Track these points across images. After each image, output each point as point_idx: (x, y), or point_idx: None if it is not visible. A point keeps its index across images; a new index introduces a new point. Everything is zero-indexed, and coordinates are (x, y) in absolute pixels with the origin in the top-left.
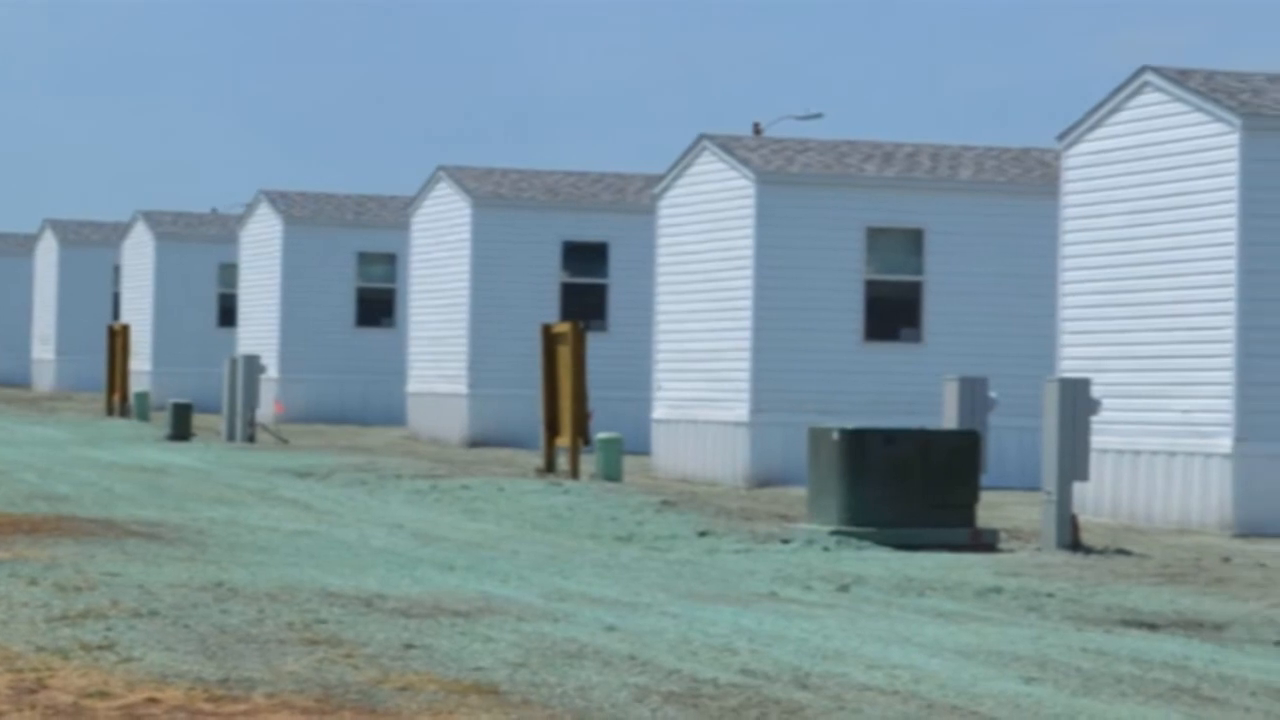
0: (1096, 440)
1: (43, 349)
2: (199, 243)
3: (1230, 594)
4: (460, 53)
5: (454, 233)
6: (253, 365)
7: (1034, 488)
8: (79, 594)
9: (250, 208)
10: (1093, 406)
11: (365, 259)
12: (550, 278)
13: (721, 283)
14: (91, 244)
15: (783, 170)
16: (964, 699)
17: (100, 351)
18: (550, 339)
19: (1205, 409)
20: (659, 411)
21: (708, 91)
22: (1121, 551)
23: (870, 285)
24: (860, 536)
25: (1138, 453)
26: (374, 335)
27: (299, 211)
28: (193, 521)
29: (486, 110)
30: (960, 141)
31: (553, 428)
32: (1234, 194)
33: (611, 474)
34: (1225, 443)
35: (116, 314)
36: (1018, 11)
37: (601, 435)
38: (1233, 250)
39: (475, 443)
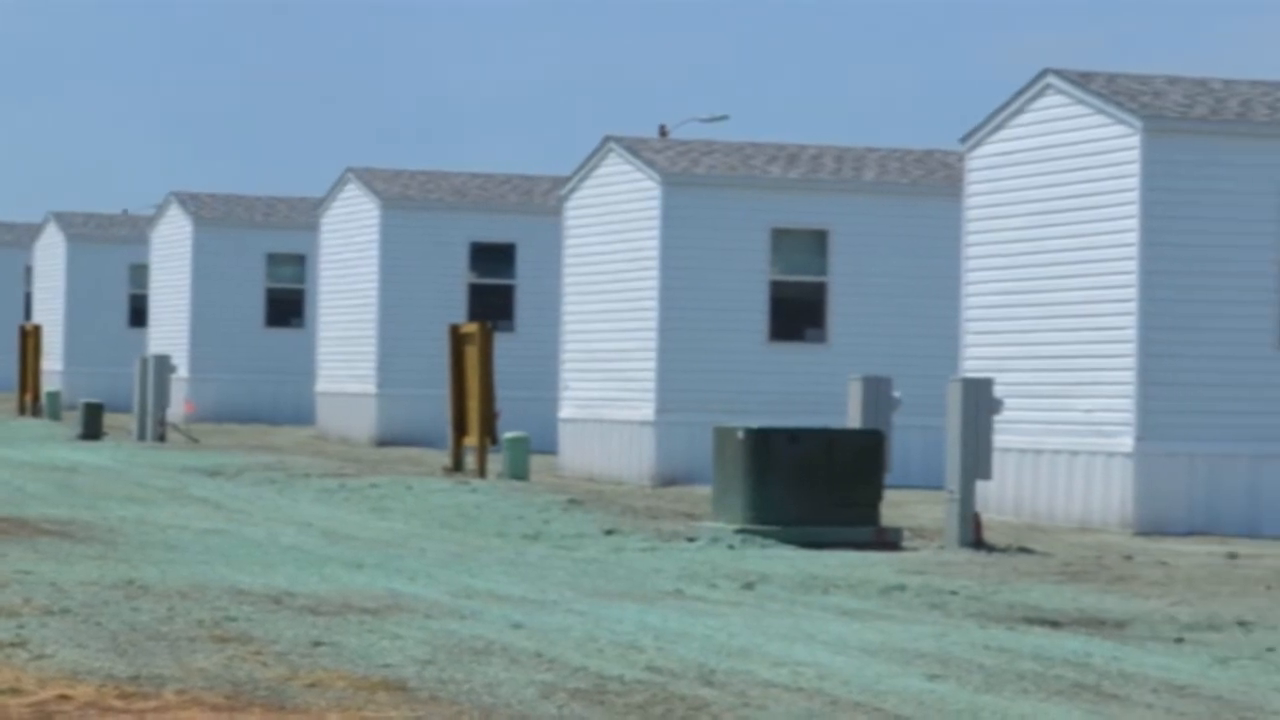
0: (999, 439)
1: None
2: (110, 244)
3: (1131, 592)
4: (369, 55)
5: (362, 234)
6: (163, 365)
7: (937, 486)
8: None
9: (161, 209)
10: (995, 406)
11: (275, 260)
12: (458, 278)
13: (627, 283)
14: (3, 245)
15: (688, 172)
16: (868, 696)
17: (12, 352)
18: (458, 339)
19: (1107, 408)
20: (566, 411)
21: (614, 94)
22: (1024, 549)
23: (775, 286)
24: (765, 535)
25: (1040, 452)
26: (283, 335)
27: (209, 213)
28: (104, 520)
29: (395, 112)
30: (864, 143)
31: (460, 427)
32: (1135, 195)
33: (518, 473)
34: (1127, 442)
35: (28, 314)
36: (921, 14)
37: (508, 435)
38: (1134, 251)
39: (384, 442)
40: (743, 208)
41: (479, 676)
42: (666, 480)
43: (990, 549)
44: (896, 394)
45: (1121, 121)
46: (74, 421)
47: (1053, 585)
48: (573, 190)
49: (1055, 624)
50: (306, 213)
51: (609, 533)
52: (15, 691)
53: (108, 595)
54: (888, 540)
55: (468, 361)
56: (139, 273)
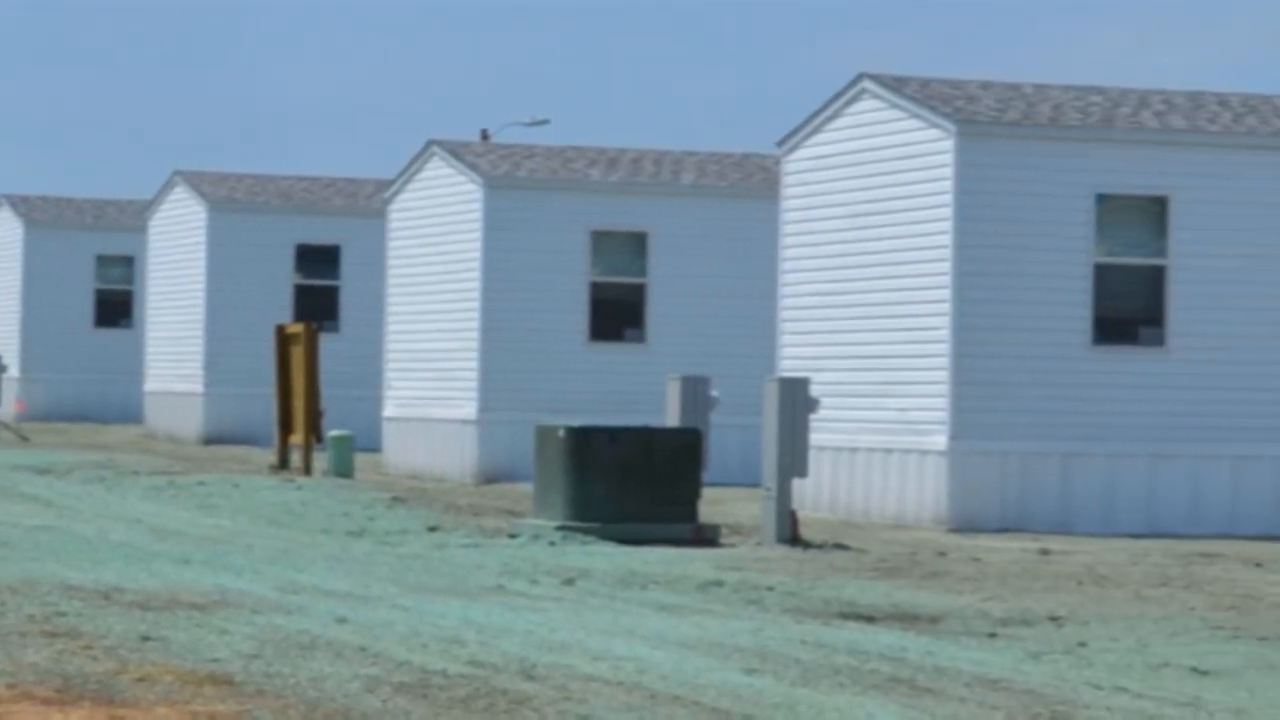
0: (815, 438)
1: None
2: None
3: (945, 587)
4: (196, 58)
5: (190, 236)
6: None
7: (755, 484)
8: None
9: None
10: (811, 405)
11: (104, 261)
12: (284, 279)
13: (450, 284)
14: None
15: (509, 175)
16: (686, 690)
17: None
18: (284, 339)
19: (921, 407)
20: (390, 410)
21: (437, 98)
22: (840, 546)
23: (595, 287)
24: (585, 531)
25: (855, 450)
26: (112, 335)
27: (39, 215)
28: None
29: (222, 116)
30: (683, 147)
31: (286, 426)
32: (949, 198)
33: (343, 471)
34: (940, 440)
35: None
36: (738, 19)
37: (333, 433)
38: (948, 253)
39: (211, 440)
40: (563, 210)
41: (305, 670)
42: (489, 478)
43: (806, 545)
44: (714, 393)
45: (936, 125)
46: None
47: (868, 581)
48: (396, 193)
49: (870, 619)
50: (135, 215)
51: (432, 529)
52: None
53: None
54: (706, 537)
55: (293, 361)
56: None
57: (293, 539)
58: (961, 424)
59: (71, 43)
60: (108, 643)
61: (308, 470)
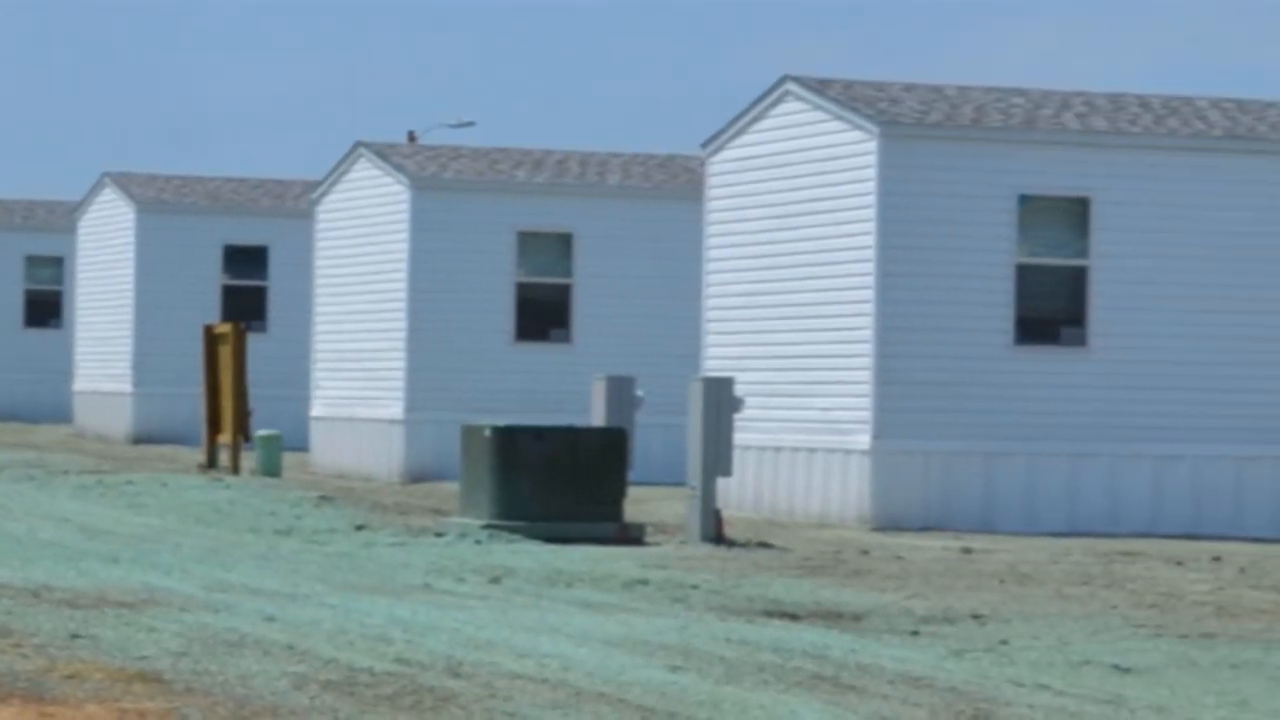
0: (740, 437)
1: None
2: None
3: (868, 585)
4: (125, 60)
5: (119, 237)
6: None
7: (679, 483)
8: None
9: None
10: (736, 404)
11: (33, 262)
12: (212, 280)
13: (377, 285)
14: None
15: (436, 176)
16: (611, 687)
17: None
18: (212, 339)
19: (844, 407)
20: (317, 409)
21: (364, 100)
22: (764, 544)
23: (521, 287)
24: (511, 530)
25: (779, 449)
26: (42, 335)
27: None
28: None
29: (151, 118)
30: (609, 148)
31: (214, 425)
32: (872, 199)
33: (271, 470)
34: (864, 439)
35: None
36: (663, 21)
37: (261, 432)
38: (871, 254)
39: (140, 440)
40: (489, 211)
41: (233, 668)
42: (415, 477)
43: (731, 544)
44: (639, 393)
45: (859, 127)
46: None
47: (792, 579)
48: (324, 194)
49: (794, 617)
50: (65, 216)
51: (359, 528)
52: None
53: None
54: (631, 536)
55: (221, 361)
56: None
57: (221, 538)
58: (884, 423)
59: None
60: (37, 641)
61: (236, 469)
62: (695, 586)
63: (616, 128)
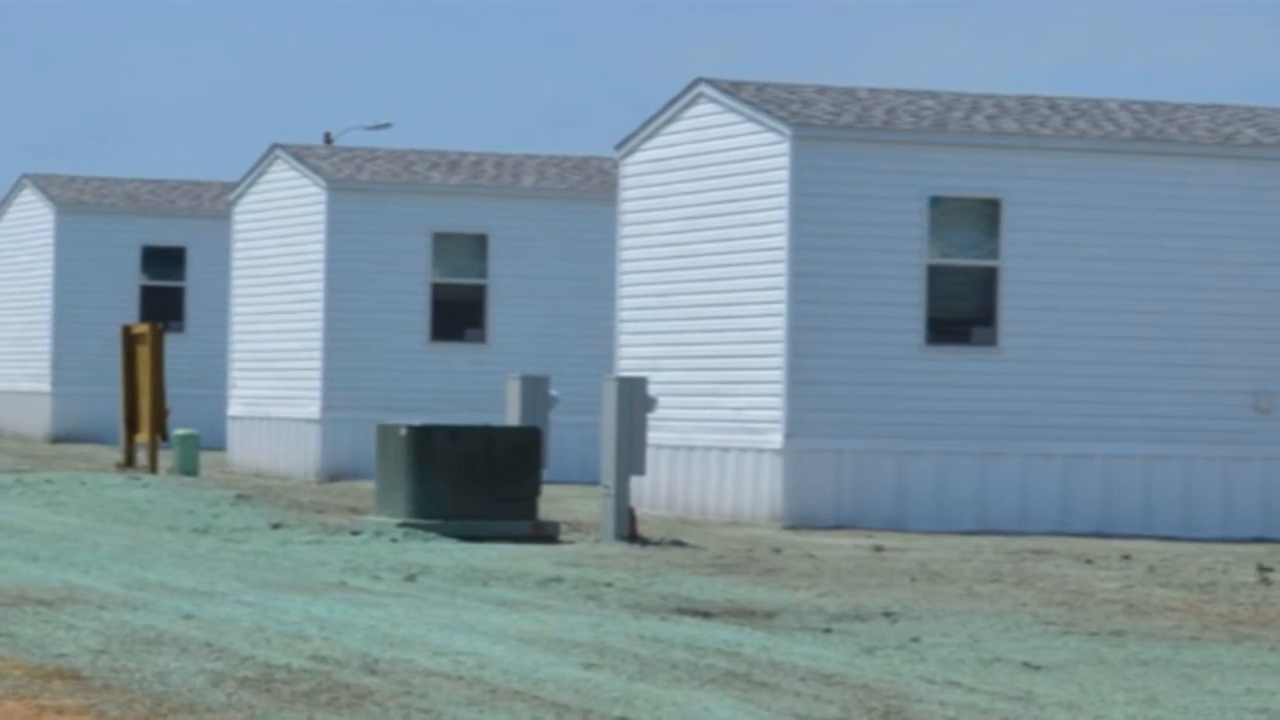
0: (653, 436)
1: None
2: None
3: (780, 583)
4: (44, 62)
5: (37, 238)
6: None
7: (594, 482)
8: None
9: None
10: (649, 404)
11: None
12: (130, 281)
13: (294, 286)
14: None
15: (352, 178)
16: (526, 684)
17: None
18: (130, 339)
19: (757, 406)
20: (234, 409)
21: (281, 102)
22: (677, 543)
23: (436, 288)
24: (427, 528)
25: (692, 448)
26: None
27: None
28: None
29: (70, 120)
30: (523, 150)
31: (133, 424)
32: (784, 201)
33: (189, 469)
34: (776, 439)
35: None
36: (578, 24)
37: (179, 431)
38: (784, 255)
39: (58, 439)
40: (405, 213)
41: (151, 665)
42: (332, 475)
43: (644, 542)
44: (554, 392)
45: (771, 129)
46: None
47: (705, 577)
48: (241, 195)
49: (707, 614)
50: None
51: (276, 526)
52: None
53: None
54: (545, 534)
55: (139, 361)
56: None
57: (139, 536)
58: (796, 423)
59: None
60: None
61: (154, 468)
62: (609, 584)
63: (531, 130)
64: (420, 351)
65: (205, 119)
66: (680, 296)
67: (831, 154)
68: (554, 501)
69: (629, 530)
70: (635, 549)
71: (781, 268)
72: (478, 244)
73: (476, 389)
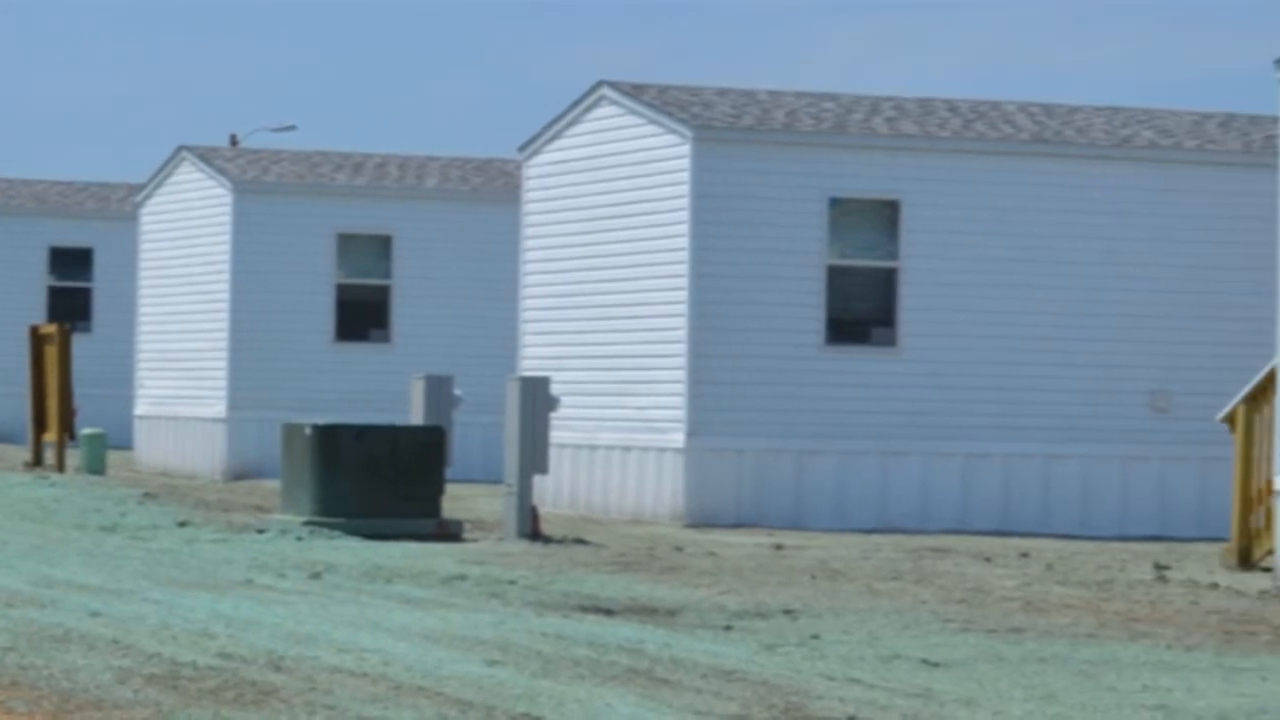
0: (556, 435)
1: None
2: None
3: (682, 581)
4: None
5: None
6: None
7: (497, 481)
8: None
9: None
10: (552, 403)
11: None
12: (37, 281)
13: (200, 286)
14: None
15: (258, 180)
16: (430, 681)
17: None
18: (38, 340)
19: (659, 406)
20: (141, 408)
21: (188, 104)
22: (580, 541)
23: (341, 289)
24: (332, 527)
25: (595, 447)
26: None
27: None
28: None
29: None
30: (427, 152)
31: (40, 424)
32: (686, 202)
33: (96, 468)
34: (678, 438)
35: None
36: (482, 26)
37: (86, 431)
38: (685, 256)
39: None
40: (310, 214)
41: (58, 662)
42: (238, 474)
43: (547, 540)
44: (457, 392)
45: (673, 131)
46: None
47: (607, 575)
48: (148, 197)
49: (609, 612)
50: None
51: (182, 525)
52: None
53: None
54: (449, 532)
55: (47, 361)
56: None
57: (46, 534)
58: (698, 422)
59: None
60: None
61: (61, 467)
62: (512, 582)
63: (435, 132)
64: (325, 352)
65: (112, 121)
66: (583, 297)
67: (732, 156)
68: (458, 500)
69: (532, 529)
70: (538, 547)
71: (683, 269)
72: (382, 245)
73: (381, 389)
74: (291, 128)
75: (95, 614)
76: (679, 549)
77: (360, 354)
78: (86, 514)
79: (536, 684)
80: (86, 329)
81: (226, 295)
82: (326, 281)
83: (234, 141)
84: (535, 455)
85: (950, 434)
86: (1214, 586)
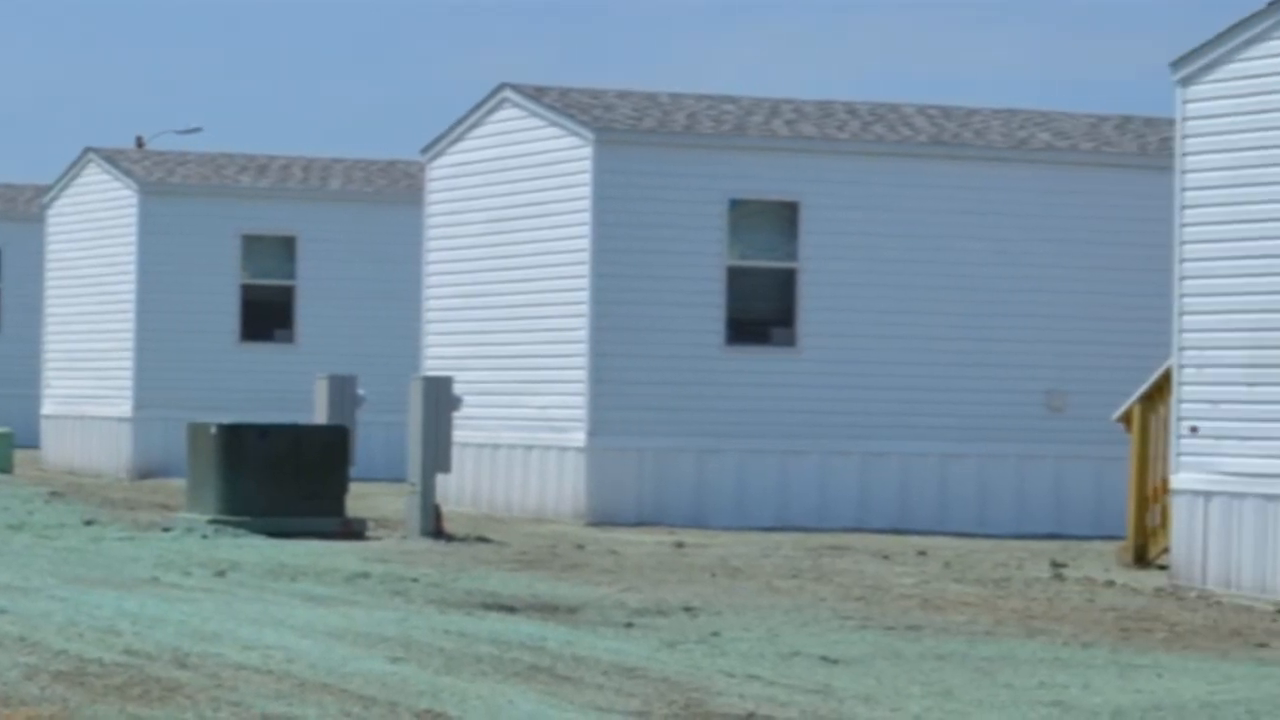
0: (458, 434)
1: None
2: None
3: (584, 579)
4: None
5: None
6: None
7: (400, 479)
8: None
9: None
10: (455, 403)
11: None
12: None
13: (107, 287)
14: None
15: (164, 181)
16: (334, 678)
17: None
18: None
19: (561, 405)
20: (48, 408)
21: (94, 106)
22: (482, 539)
23: (246, 289)
24: (237, 525)
25: (497, 446)
26: None
27: None
28: None
29: None
30: (331, 154)
31: None
32: (587, 204)
33: (3, 467)
34: (579, 437)
35: None
36: (385, 29)
37: None
38: (586, 257)
39: None
40: (215, 215)
41: None
42: (144, 473)
43: (450, 539)
44: (361, 392)
45: (574, 133)
46: None
47: (509, 573)
48: (54, 198)
49: (511, 609)
50: None
51: (89, 523)
52: None
53: None
54: (353, 530)
55: None
56: None
57: None
58: (599, 421)
59: None
60: None
61: None
62: (415, 580)
63: (339, 134)
64: (230, 351)
65: (18, 122)
66: (485, 298)
67: (633, 158)
68: (361, 499)
69: (435, 527)
70: (441, 545)
71: (584, 269)
72: (286, 246)
73: (285, 388)
74: (197, 130)
75: (2, 611)
76: (581, 547)
77: (265, 354)
78: None
79: (439, 681)
80: None
81: (132, 295)
82: (231, 282)
83: (140, 143)
84: (438, 454)
85: (849, 433)
86: (1110, 584)
